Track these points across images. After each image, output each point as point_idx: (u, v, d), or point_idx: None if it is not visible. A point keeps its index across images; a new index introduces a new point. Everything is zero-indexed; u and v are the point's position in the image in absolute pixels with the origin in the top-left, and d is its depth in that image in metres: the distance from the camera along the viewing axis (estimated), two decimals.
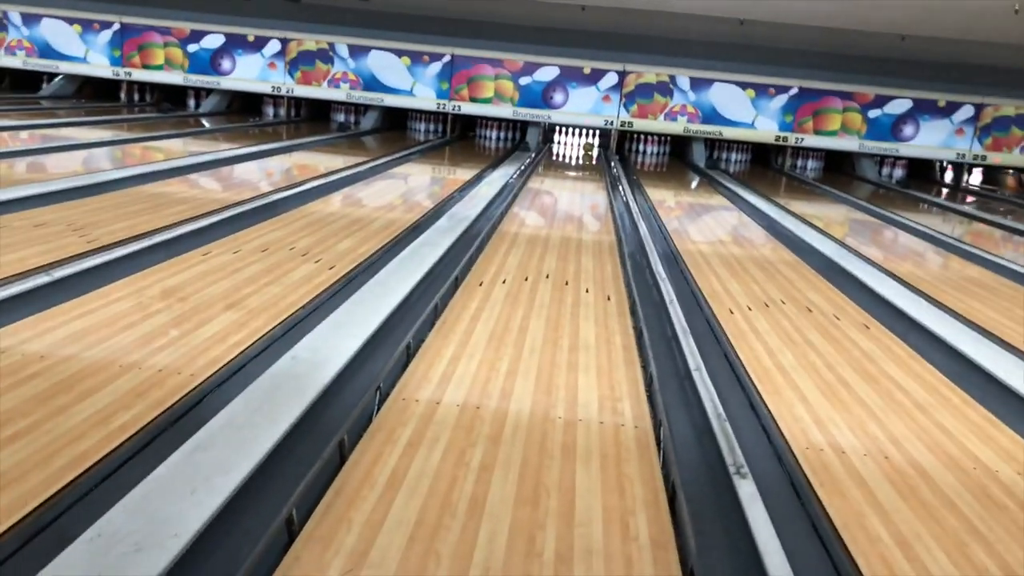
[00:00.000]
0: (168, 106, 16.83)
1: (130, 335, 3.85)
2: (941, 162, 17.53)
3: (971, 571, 2.52)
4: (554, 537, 2.48)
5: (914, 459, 3.31)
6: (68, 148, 9.86)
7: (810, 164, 17.40)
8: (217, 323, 4.13)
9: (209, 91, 16.76)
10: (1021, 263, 8.02)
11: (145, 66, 16.35)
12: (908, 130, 16.26)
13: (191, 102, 17.28)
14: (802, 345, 4.75)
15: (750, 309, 5.44)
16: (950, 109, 16.06)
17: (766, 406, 3.74)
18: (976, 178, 18.07)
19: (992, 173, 17.94)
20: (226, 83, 16.37)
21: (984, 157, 16.36)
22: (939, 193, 15.86)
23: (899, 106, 16.13)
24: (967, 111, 16.06)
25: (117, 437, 2.86)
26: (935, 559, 2.56)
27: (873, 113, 16.21)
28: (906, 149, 16.39)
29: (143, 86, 17.22)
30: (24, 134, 10.92)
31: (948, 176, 17.99)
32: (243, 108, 17.20)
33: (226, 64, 16.23)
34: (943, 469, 3.25)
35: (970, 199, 15.45)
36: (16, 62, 16.40)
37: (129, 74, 16.43)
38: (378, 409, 3.29)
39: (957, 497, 3.02)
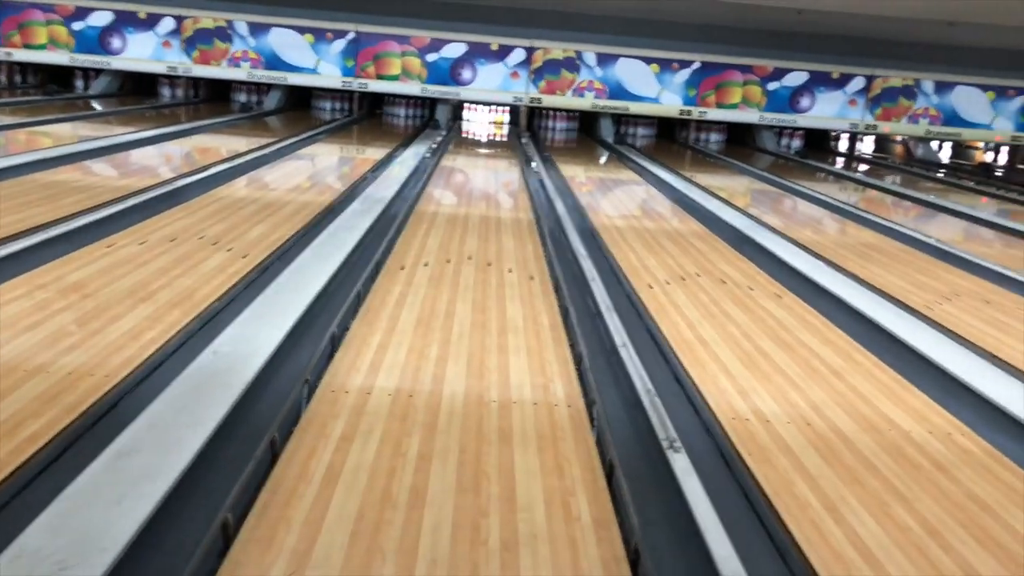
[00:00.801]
0: (54, 88, 15.91)
1: (33, 337, 3.63)
2: (836, 132, 18.24)
3: (895, 530, 2.64)
4: (498, 524, 2.48)
5: (834, 424, 3.45)
6: None
7: (713, 137, 17.84)
8: (128, 319, 3.93)
9: (99, 72, 15.91)
10: (911, 227, 8.44)
11: (27, 46, 15.38)
12: (805, 102, 16.81)
13: (79, 83, 16.40)
14: (720, 317, 4.87)
15: (668, 283, 5.54)
16: (843, 81, 16.68)
17: (691, 379, 3.82)
18: (868, 147, 18.91)
19: (882, 142, 18.81)
20: (117, 63, 15.56)
21: (875, 127, 17.08)
22: (834, 162, 16.53)
23: (796, 78, 16.65)
24: (859, 83, 16.71)
25: (27, 448, 2.69)
26: (862, 521, 2.67)
27: (772, 86, 16.69)
28: (803, 120, 16.96)
29: (25, 67, 16.22)
30: None
31: (842, 145, 18.76)
32: (137, 89, 16.43)
33: (116, 43, 15.41)
34: (861, 432, 3.39)
35: (863, 167, 16.16)
36: None
37: (9, 54, 15.42)
38: (308, 402, 3.21)
39: (876, 459, 3.16)
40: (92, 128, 11.19)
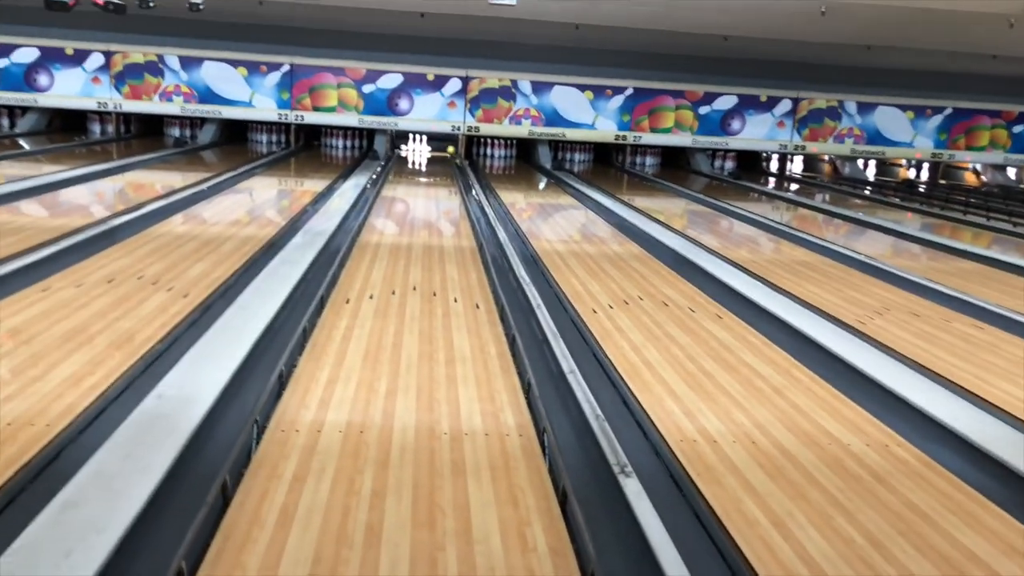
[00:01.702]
0: None
1: None
2: (767, 152, 18.79)
3: (839, 542, 2.73)
4: (455, 558, 2.49)
5: (777, 441, 3.55)
6: None
7: (648, 161, 18.23)
8: (68, 365, 3.85)
9: (25, 109, 15.53)
10: (842, 244, 8.75)
11: None
12: (735, 124, 17.33)
13: (4, 121, 15.97)
14: (664, 339, 4.97)
15: (611, 307, 5.63)
16: (771, 103, 17.26)
17: (638, 402, 3.89)
18: (798, 166, 19.51)
19: (811, 161, 19.42)
20: (44, 100, 15.23)
21: (803, 147, 17.69)
22: (766, 182, 17.01)
23: (726, 102, 17.17)
24: (786, 105, 17.31)
25: None
26: (808, 535, 2.76)
27: (703, 110, 17.17)
28: (735, 142, 17.48)
29: None
30: None
31: (773, 165, 19.32)
32: (65, 126, 16.08)
33: (43, 80, 15.08)
34: (803, 447, 3.50)
35: (793, 186, 16.66)
36: None
37: None
38: (257, 443, 3.18)
39: (818, 473, 3.27)
40: (20, 167, 10.90)
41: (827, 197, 14.67)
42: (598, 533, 2.72)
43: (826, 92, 17.36)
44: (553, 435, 3.38)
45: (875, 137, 17.76)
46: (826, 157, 18.99)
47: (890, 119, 17.69)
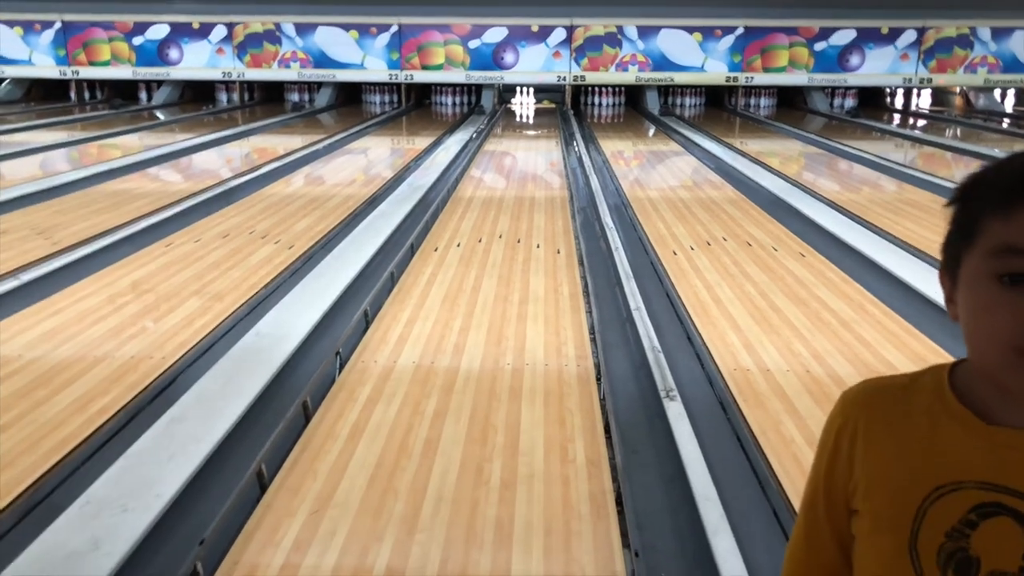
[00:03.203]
0: (120, 101, 16.77)
1: (101, 328, 4.07)
2: (890, 88, 17.85)
3: None
4: (500, 467, 2.78)
5: (833, 371, 3.63)
6: (24, 153, 9.93)
7: (763, 102, 17.67)
8: (183, 310, 4.36)
9: (160, 83, 16.72)
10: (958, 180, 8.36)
11: (92, 63, 16.26)
12: (854, 60, 16.54)
13: (143, 95, 17.24)
14: (739, 277, 5.05)
15: (692, 248, 5.73)
16: (893, 35, 16.34)
17: (700, 336, 4.04)
18: (925, 101, 18.44)
19: (940, 95, 18.31)
20: (176, 73, 16.34)
21: (930, 80, 16.69)
22: (890, 119, 16.21)
23: (843, 37, 16.38)
24: (910, 36, 16.34)
25: (97, 420, 3.11)
26: None
27: (819, 46, 16.46)
28: (854, 79, 16.69)
29: (92, 83, 17.14)
30: None
31: (898, 101, 18.34)
32: (196, 97, 17.18)
33: (174, 54, 16.17)
34: (858, 377, 3.56)
35: (920, 122, 15.82)
36: None
37: (76, 72, 16.34)
38: (339, 372, 3.56)
39: None
40: (156, 137, 11.84)
41: (958, 132, 13.88)
42: (636, 448, 2.94)
43: (955, 19, 16.24)
44: (608, 365, 3.59)
45: (1012, 64, 16.51)
46: (957, 89, 17.87)
47: None
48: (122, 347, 3.82)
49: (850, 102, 17.65)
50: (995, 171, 0.75)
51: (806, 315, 4.35)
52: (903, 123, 15.73)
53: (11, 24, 16.03)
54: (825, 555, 0.90)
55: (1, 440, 2.91)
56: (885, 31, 16.27)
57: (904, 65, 16.49)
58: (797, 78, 16.68)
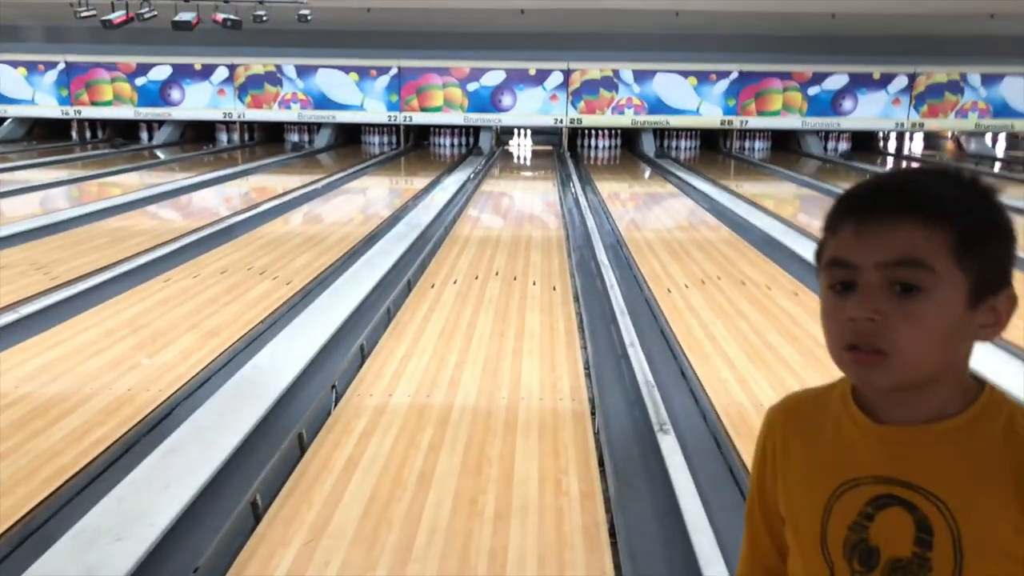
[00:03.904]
0: (121, 141, 16.95)
1: (98, 361, 4.10)
2: (883, 132, 18.09)
3: None
4: (494, 498, 2.79)
5: None
6: (24, 191, 10.02)
7: (757, 145, 17.90)
8: (180, 344, 4.38)
9: (161, 123, 16.91)
10: None
11: (94, 103, 16.46)
12: (847, 104, 16.80)
13: (144, 135, 17.42)
14: (734, 316, 5.09)
15: (687, 287, 5.78)
16: (885, 81, 16.62)
17: (694, 372, 4.07)
18: (918, 145, 18.69)
19: (932, 139, 18.57)
20: (177, 113, 16.53)
21: (922, 124, 16.94)
22: (883, 162, 16.43)
23: (836, 82, 16.66)
24: (901, 81, 16.62)
25: (93, 451, 3.12)
26: None
27: (812, 90, 16.73)
28: (847, 123, 16.94)
29: (94, 123, 17.32)
30: None
31: (891, 145, 18.59)
32: (197, 137, 17.36)
33: (175, 94, 16.39)
34: None
35: (913, 166, 16.00)
36: None
37: (79, 112, 16.54)
38: (335, 405, 3.57)
39: None
40: (156, 176, 11.95)
41: None
42: (630, 480, 2.95)
43: (946, 65, 16.53)
44: (603, 400, 3.61)
45: (1003, 109, 16.78)
46: (948, 134, 18.12)
47: (1020, 90, 16.68)
48: (119, 380, 3.84)
49: (844, 145, 17.89)
50: (837, 198, 0.85)
51: (800, 352, 4.39)
52: (896, 166, 15.92)
53: (15, 64, 16.26)
54: (769, 561, 0.98)
55: None
56: (877, 76, 16.55)
57: (896, 110, 16.74)
58: (791, 122, 16.92)
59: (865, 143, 18.01)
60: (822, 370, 4.09)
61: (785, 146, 17.74)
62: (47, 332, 4.52)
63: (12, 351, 4.21)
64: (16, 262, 6.05)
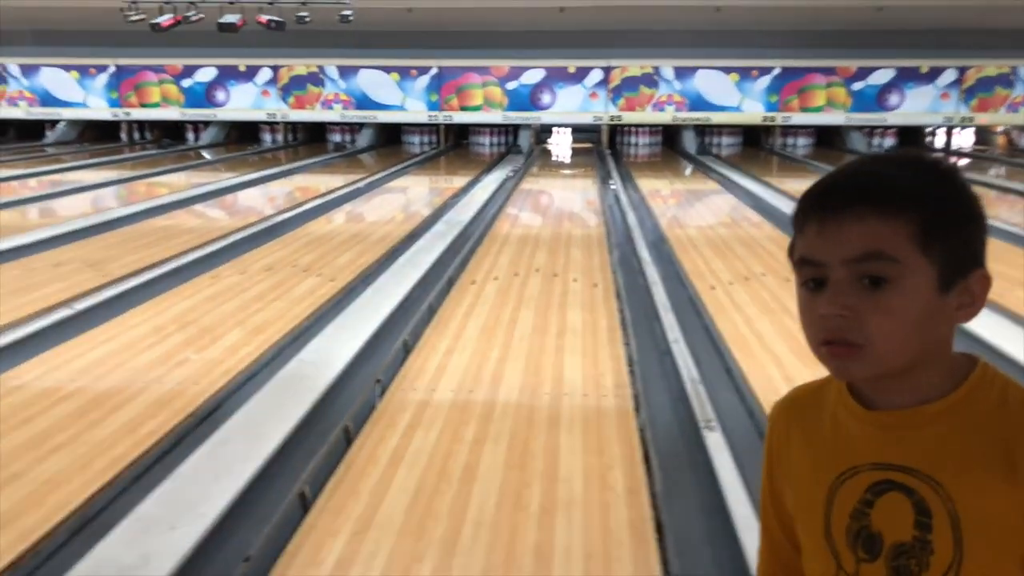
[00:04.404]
0: (168, 141, 17.27)
1: (149, 355, 4.19)
2: (930, 127, 17.71)
3: None
4: (539, 493, 2.79)
5: None
6: (77, 191, 10.27)
7: (800, 141, 17.64)
8: (229, 338, 4.46)
9: (207, 123, 17.19)
10: (1012, 221, 8.23)
11: (143, 105, 16.80)
12: (893, 99, 16.47)
13: (190, 136, 17.72)
14: (779, 312, 5.03)
15: (731, 284, 5.72)
16: (933, 75, 16.26)
17: (740, 369, 4.03)
18: (967, 140, 18.26)
19: (983, 133, 18.12)
20: (222, 114, 16.80)
21: (971, 119, 16.55)
22: None
23: (882, 76, 16.35)
24: (950, 75, 16.25)
25: (146, 442, 3.19)
26: None
27: (857, 86, 16.43)
28: (893, 118, 16.61)
29: (142, 124, 17.68)
30: (33, 181, 11.34)
31: (939, 140, 18.19)
32: (241, 137, 17.62)
33: (220, 96, 16.65)
34: None
35: (962, 161, 15.64)
36: (19, 112, 16.91)
37: (128, 114, 16.89)
38: (380, 399, 3.61)
39: None
40: (202, 176, 12.16)
41: (1002, 171, 13.71)
42: (676, 477, 2.93)
43: (996, 58, 16.13)
44: (647, 397, 3.60)
45: None
46: (999, 128, 17.68)
47: None
48: (170, 373, 3.92)
49: (889, 141, 17.55)
50: (800, 196, 0.86)
51: None
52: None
53: (67, 68, 16.66)
54: (786, 557, 0.98)
55: (55, 460, 3.00)
56: (925, 70, 16.21)
57: (944, 104, 16.38)
58: (834, 118, 16.65)
59: (912, 138, 17.64)
60: None
61: (829, 142, 17.46)
62: (100, 327, 4.63)
63: (67, 346, 4.32)
64: (70, 260, 6.21)
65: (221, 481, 2.79)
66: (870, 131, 17.36)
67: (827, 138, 17.54)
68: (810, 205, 0.83)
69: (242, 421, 3.31)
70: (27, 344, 4.35)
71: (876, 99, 16.45)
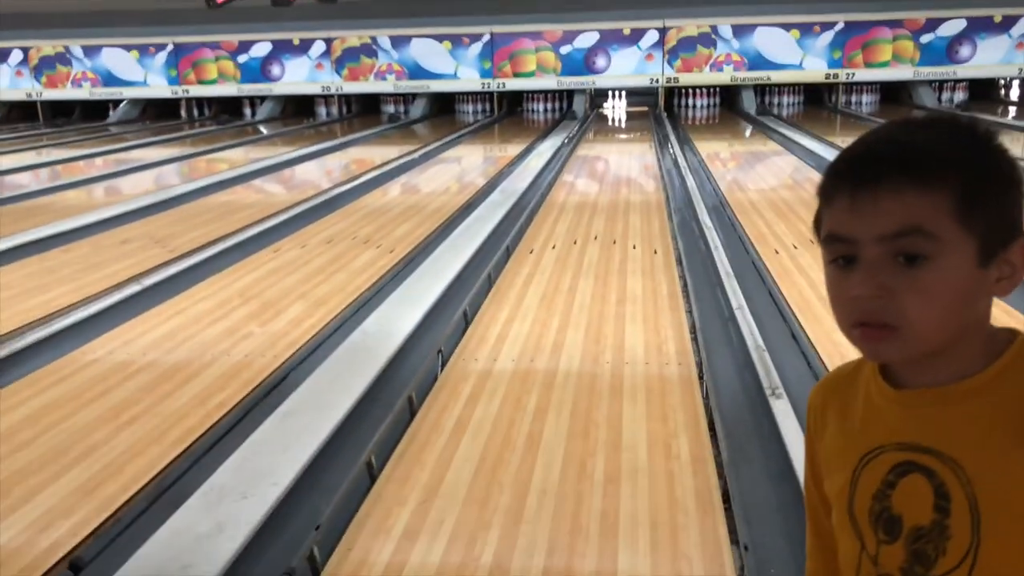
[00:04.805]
0: (226, 117, 17.54)
1: (216, 328, 4.28)
2: (1004, 79, 16.95)
3: None
4: (603, 461, 2.78)
5: None
6: (140, 168, 10.52)
7: (865, 99, 17.05)
8: (292, 311, 4.53)
9: (263, 98, 17.39)
10: None
11: (200, 82, 17.07)
12: (964, 51, 15.79)
13: (247, 111, 17.97)
14: None
15: (795, 247, 5.59)
16: (1007, 24, 15.50)
17: (806, 334, 3.93)
18: None
19: None
20: (278, 89, 16.97)
21: None
22: (1004, 112, 15.39)
23: (952, 27, 15.66)
24: None
25: (216, 414, 3.27)
26: None
27: (925, 38, 15.78)
28: (964, 71, 15.94)
29: (200, 101, 17.98)
30: (99, 160, 11.66)
31: (1014, 93, 17.40)
32: (297, 111, 17.79)
33: (276, 70, 16.81)
34: None
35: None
36: (83, 93, 17.35)
37: (187, 91, 17.18)
38: (442, 369, 3.63)
39: None
40: (260, 151, 12.33)
41: None
42: (741, 446, 2.89)
43: None
44: (710, 364, 3.54)
45: None
46: None
47: None
48: (236, 346, 4.00)
49: (960, 95, 16.85)
50: (830, 163, 0.81)
51: None
52: (1020, 116, 14.90)
53: (127, 48, 17.00)
54: (828, 538, 0.92)
55: (131, 431, 3.10)
56: (999, 19, 15.46)
57: (1020, 55, 15.63)
58: (902, 73, 16.03)
59: (984, 92, 16.91)
60: None
61: (895, 98, 16.85)
62: (168, 302, 4.75)
63: (137, 320, 4.44)
64: (137, 236, 6.37)
65: (290, 451, 2.84)
66: (939, 85, 16.69)
67: (893, 94, 16.93)
68: (840, 176, 0.78)
69: (308, 392, 3.36)
70: (99, 319, 4.49)
71: (946, 52, 15.78)
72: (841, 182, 0.78)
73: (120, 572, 2.22)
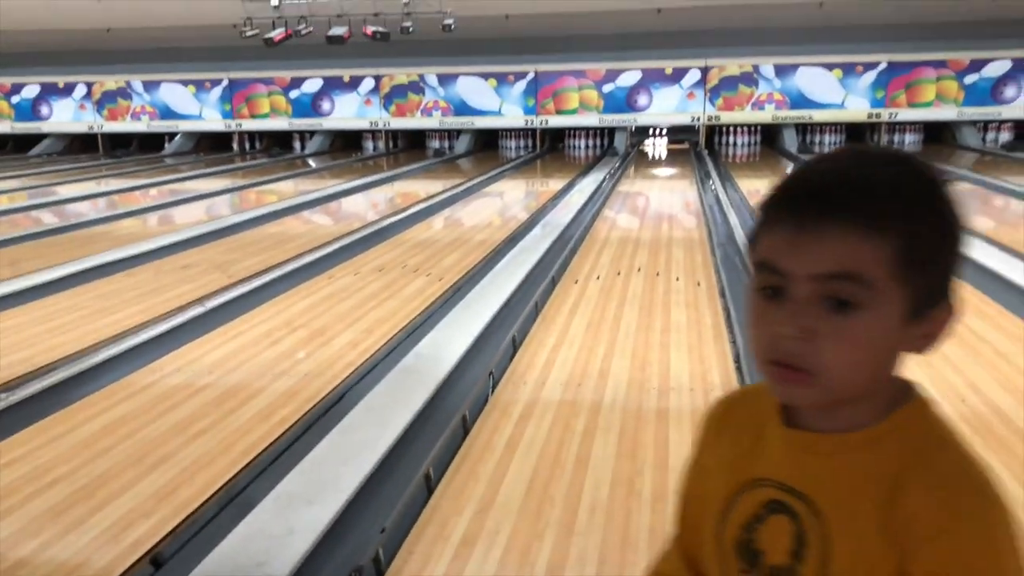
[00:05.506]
0: (277, 151, 18.07)
1: (276, 350, 4.48)
2: None
3: None
4: (651, 481, 2.88)
5: (991, 400, 3.53)
6: (195, 199, 10.91)
7: (908, 138, 17.04)
8: (347, 335, 4.71)
9: (312, 133, 17.91)
10: None
11: (253, 116, 17.65)
12: (1010, 91, 15.76)
13: (297, 145, 18.50)
14: None
15: None
16: None
17: None
18: None
19: None
20: (327, 123, 17.47)
21: None
22: None
23: (997, 68, 15.67)
24: None
25: (278, 429, 3.44)
26: (1005, 484, 2.81)
27: (970, 79, 15.79)
28: (1009, 111, 15.89)
29: (252, 135, 18.55)
30: (154, 191, 12.10)
31: None
32: (345, 145, 18.28)
33: (326, 106, 17.33)
34: (1019, 408, 3.46)
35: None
36: (141, 126, 18.02)
37: (240, 125, 17.76)
38: (492, 391, 3.77)
39: None
40: (310, 183, 12.71)
41: None
42: None
43: None
44: None
45: None
46: None
47: None
48: (295, 367, 4.19)
49: (1005, 136, 16.76)
50: (777, 186, 0.77)
51: (960, 347, 4.23)
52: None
53: (184, 83, 17.66)
54: (691, 550, 0.94)
55: (200, 443, 3.28)
56: None
57: None
58: (946, 113, 16.03)
59: None
60: (986, 366, 3.96)
61: (938, 138, 16.81)
62: (229, 324, 4.97)
63: (201, 340, 4.66)
64: (198, 262, 6.65)
65: (351, 463, 3.00)
66: (984, 126, 16.64)
67: (936, 134, 16.89)
68: (786, 203, 0.74)
69: (365, 410, 3.52)
70: (165, 339, 4.72)
71: (991, 92, 15.77)
72: (787, 210, 0.74)
73: (199, 568, 2.38)
